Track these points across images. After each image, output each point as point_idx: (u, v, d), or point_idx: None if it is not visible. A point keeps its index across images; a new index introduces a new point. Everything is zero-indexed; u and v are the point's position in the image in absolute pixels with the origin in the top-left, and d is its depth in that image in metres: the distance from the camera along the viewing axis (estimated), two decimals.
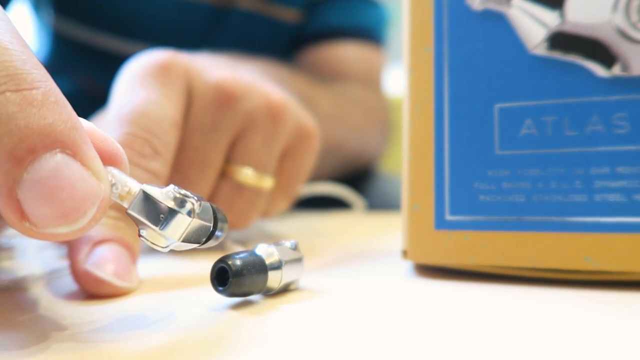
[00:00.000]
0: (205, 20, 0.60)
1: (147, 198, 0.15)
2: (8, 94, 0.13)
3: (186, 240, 0.16)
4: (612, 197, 0.20)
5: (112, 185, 0.15)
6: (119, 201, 0.15)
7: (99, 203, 0.14)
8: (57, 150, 0.14)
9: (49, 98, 0.14)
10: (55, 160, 0.14)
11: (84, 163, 0.14)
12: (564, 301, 0.19)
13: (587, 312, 0.17)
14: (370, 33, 0.66)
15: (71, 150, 0.14)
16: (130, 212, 0.15)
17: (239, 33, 0.61)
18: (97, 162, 0.15)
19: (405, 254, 0.24)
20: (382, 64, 0.68)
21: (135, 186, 0.16)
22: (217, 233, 0.17)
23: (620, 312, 0.17)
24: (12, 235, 0.31)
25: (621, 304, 0.18)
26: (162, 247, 0.16)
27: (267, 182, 0.31)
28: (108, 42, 0.59)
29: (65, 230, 0.14)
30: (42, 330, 0.16)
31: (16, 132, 0.13)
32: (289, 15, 0.64)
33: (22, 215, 0.13)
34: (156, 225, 0.15)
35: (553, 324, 0.16)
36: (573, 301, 0.19)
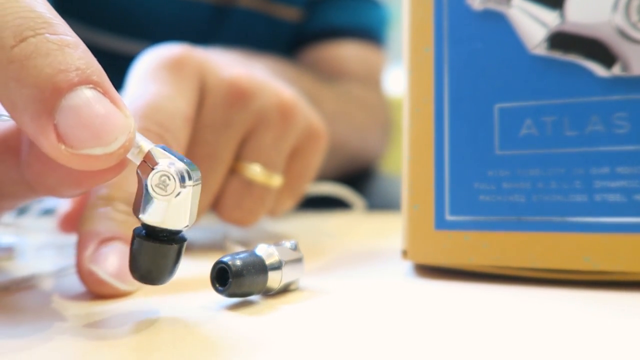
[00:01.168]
0: (206, 18, 0.60)
1: (171, 149, 0.17)
2: (47, 35, 0.15)
3: (194, 188, 0.16)
4: (612, 197, 0.20)
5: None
6: (134, 154, 0.16)
7: (128, 134, 0.16)
8: (91, 85, 0.15)
9: (80, 45, 0.16)
10: (90, 93, 0.15)
11: (112, 101, 0.16)
12: (564, 301, 0.19)
13: (587, 312, 0.17)
14: (370, 33, 0.66)
15: (102, 89, 0.16)
16: (157, 147, 0.16)
17: (239, 32, 0.61)
18: (123, 102, 0.16)
19: (405, 254, 0.24)
20: (383, 63, 0.68)
21: (150, 143, 0.17)
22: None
23: (620, 312, 0.17)
24: (13, 232, 0.31)
25: (621, 304, 0.18)
26: (183, 183, 0.16)
27: (276, 180, 0.31)
28: (108, 41, 0.59)
29: (99, 151, 0.15)
30: (42, 329, 0.16)
31: (56, 64, 0.15)
32: (290, 14, 0.64)
33: (59, 137, 0.15)
34: (182, 162, 0.16)
35: (553, 324, 0.16)
36: (573, 301, 0.19)
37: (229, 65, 0.31)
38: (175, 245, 0.17)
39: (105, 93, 0.16)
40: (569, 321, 0.16)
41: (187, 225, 0.17)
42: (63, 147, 0.15)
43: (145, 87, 0.26)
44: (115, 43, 0.59)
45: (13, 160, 0.19)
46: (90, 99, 0.15)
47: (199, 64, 0.28)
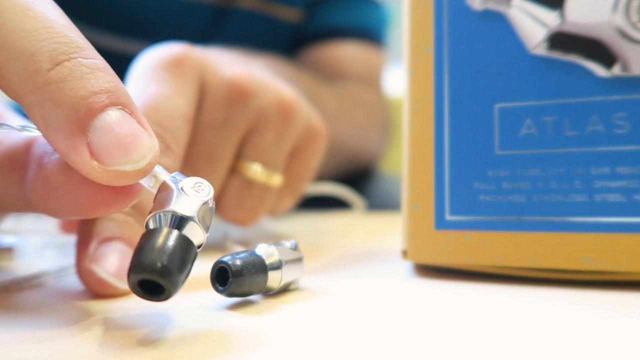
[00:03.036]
0: (206, 19, 0.60)
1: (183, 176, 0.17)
2: (80, 59, 0.16)
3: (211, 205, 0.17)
4: (612, 197, 0.20)
5: None
6: (151, 183, 0.17)
7: (153, 152, 0.17)
8: (120, 107, 0.16)
9: (109, 69, 0.17)
10: (120, 114, 0.16)
11: (138, 122, 0.17)
12: (564, 301, 0.19)
13: (587, 312, 0.17)
14: (370, 33, 0.66)
15: (129, 110, 0.17)
16: (176, 175, 0.17)
17: (239, 32, 0.61)
18: (148, 124, 0.17)
19: (405, 254, 0.24)
20: (383, 64, 0.68)
21: (166, 172, 0.17)
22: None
23: (620, 312, 0.17)
24: (12, 233, 0.31)
25: (621, 304, 0.18)
26: (212, 195, 0.17)
27: (276, 179, 0.31)
28: (109, 41, 0.59)
29: (129, 168, 0.16)
30: (42, 329, 0.16)
31: (89, 87, 0.16)
32: (290, 14, 0.64)
33: (92, 154, 0.16)
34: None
35: (553, 324, 0.16)
36: (573, 301, 0.19)
37: (229, 64, 0.31)
38: (193, 250, 0.16)
39: (132, 114, 0.17)
40: (569, 321, 0.16)
41: (201, 246, 0.17)
42: (95, 163, 0.16)
43: (145, 87, 0.26)
44: (116, 43, 0.59)
45: (17, 177, 0.19)
46: (120, 119, 0.16)
47: (199, 63, 0.28)
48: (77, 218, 0.19)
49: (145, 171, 0.16)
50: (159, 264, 0.15)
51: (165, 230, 0.16)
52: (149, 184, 0.17)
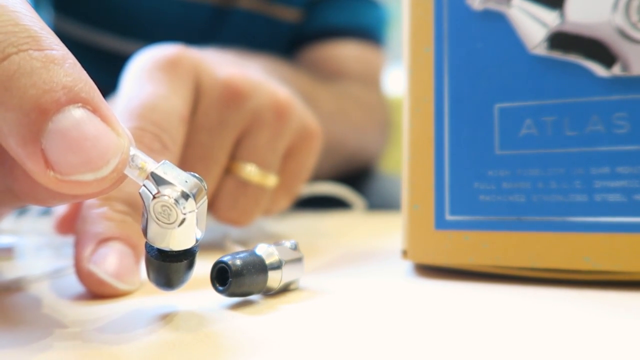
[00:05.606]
0: (205, 19, 0.60)
1: (173, 167, 0.16)
2: (31, 52, 0.14)
3: (199, 208, 0.16)
4: (612, 197, 0.20)
5: (132, 155, 0.16)
6: (135, 175, 0.16)
7: (120, 155, 0.15)
8: (80, 104, 0.14)
9: (68, 59, 0.15)
10: (79, 113, 0.14)
11: (104, 119, 0.15)
12: (564, 301, 0.19)
13: (587, 312, 0.17)
14: (370, 33, 0.66)
15: (92, 107, 0.15)
16: (159, 166, 0.16)
17: (239, 32, 0.61)
18: (116, 120, 0.15)
19: (405, 254, 0.24)
20: (382, 63, 0.68)
21: (152, 162, 0.16)
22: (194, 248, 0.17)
23: (620, 312, 0.17)
24: (12, 233, 0.31)
25: (621, 304, 0.18)
26: (185, 210, 0.16)
27: (271, 180, 0.31)
28: (108, 41, 0.59)
29: (90, 177, 0.14)
30: (42, 330, 0.16)
31: (41, 84, 0.14)
32: (289, 14, 0.64)
33: (47, 163, 0.14)
34: (183, 186, 0.16)
35: (553, 324, 0.16)
36: (573, 301, 0.19)
37: (224, 65, 0.31)
38: (185, 262, 0.17)
39: (95, 110, 0.15)
40: (569, 321, 0.16)
41: (197, 241, 0.17)
42: (52, 173, 0.14)
43: (141, 87, 0.26)
44: (116, 43, 0.59)
45: None
46: (79, 120, 0.14)
47: (194, 64, 0.28)
48: (66, 203, 0.19)
49: (112, 178, 0.15)
50: (154, 284, 0.17)
51: (148, 260, 0.17)
52: (133, 175, 0.16)
